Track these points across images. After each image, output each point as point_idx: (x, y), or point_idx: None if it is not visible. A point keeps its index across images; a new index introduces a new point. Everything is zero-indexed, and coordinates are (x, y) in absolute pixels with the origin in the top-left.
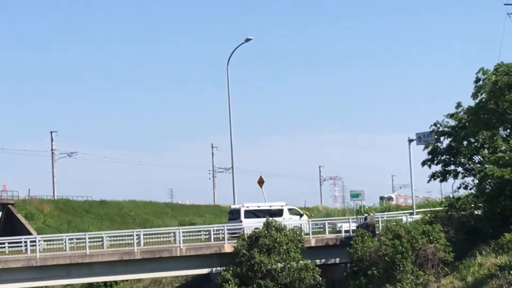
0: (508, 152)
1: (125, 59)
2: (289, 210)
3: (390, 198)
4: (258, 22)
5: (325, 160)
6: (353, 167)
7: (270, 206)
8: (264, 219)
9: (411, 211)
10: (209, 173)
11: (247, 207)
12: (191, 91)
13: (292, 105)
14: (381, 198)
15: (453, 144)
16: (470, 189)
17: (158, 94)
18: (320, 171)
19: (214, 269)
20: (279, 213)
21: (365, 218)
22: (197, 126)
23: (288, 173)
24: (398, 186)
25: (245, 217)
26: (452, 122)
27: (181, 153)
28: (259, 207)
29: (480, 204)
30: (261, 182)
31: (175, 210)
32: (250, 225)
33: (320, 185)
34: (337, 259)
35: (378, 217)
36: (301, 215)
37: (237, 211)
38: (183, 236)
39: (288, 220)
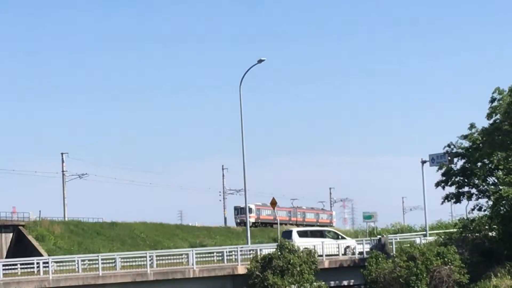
0: None
1: (135, 81)
2: None
3: (248, 210)
4: (265, 42)
5: (335, 182)
6: (364, 189)
7: None
8: None
9: (425, 232)
10: (220, 195)
11: None
12: (201, 113)
13: (301, 126)
14: (235, 208)
15: (467, 166)
16: (484, 210)
17: (169, 116)
18: (330, 193)
19: None
20: None
21: (379, 240)
22: (207, 147)
23: (298, 195)
24: (408, 208)
25: None
26: (466, 143)
27: (191, 174)
28: None
29: (495, 226)
30: (273, 203)
31: (186, 232)
32: None
33: (331, 207)
34: (351, 281)
35: (392, 239)
36: None
37: None
38: (196, 257)
39: None
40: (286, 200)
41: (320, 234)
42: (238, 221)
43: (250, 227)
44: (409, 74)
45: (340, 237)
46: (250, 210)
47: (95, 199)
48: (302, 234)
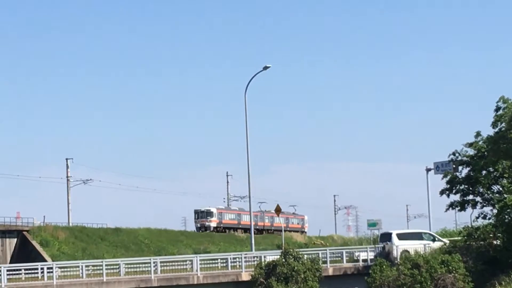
0: None
1: (140, 87)
2: None
3: (209, 213)
4: (269, 50)
5: (340, 189)
6: (368, 196)
7: None
8: None
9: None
10: (224, 201)
11: None
12: (205, 119)
13: (305, 133)
14: (195, 212)
15: (471, 174)
16: (489, 219)
17: (173, 122)
18: (335, 200)
19: None
20: None
21: (383, 247)
22: (212, 153)
23: (302, 202)
24: (413, 216)
25: None
26: (471, 152)
27: (195, 181)
28: None
29: (499, 234)
30: (278, 210)
31: (190, 238)
32: None
33: (335, 214)
34: None
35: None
36: None
37: None
38: (200, 264)
39: None
40: (286, 206)
41: (418, 236)
42: (198, 225)
43: (212, 231)
44: (412, 78)
45: (436, 239)
46: (212, 213)
47: (100, 205)
48: (401, 237)
